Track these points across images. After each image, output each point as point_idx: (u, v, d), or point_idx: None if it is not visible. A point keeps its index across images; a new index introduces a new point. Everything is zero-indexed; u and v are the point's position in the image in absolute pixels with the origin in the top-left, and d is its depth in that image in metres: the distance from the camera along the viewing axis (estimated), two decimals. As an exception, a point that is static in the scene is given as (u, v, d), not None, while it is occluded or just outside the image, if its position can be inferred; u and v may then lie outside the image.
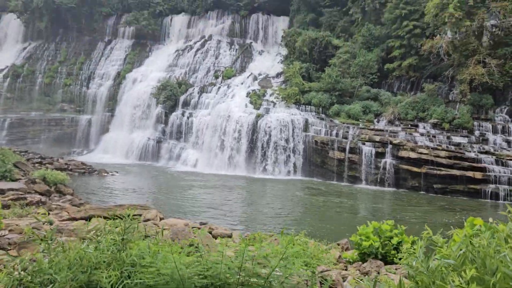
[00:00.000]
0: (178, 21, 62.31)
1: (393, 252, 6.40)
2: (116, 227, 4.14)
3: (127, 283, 3.12)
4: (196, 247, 4.35)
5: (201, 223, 10.46)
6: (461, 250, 2.60)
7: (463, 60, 36.26)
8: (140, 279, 3.04)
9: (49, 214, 10.91)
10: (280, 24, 59.59)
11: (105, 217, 9.89)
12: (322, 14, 52.38)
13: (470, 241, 2.64)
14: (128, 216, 4.14)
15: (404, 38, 41.14)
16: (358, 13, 47.73)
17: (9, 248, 6.37)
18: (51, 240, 3.61)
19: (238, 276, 2.93)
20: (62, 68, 59.47)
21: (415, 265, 2.73)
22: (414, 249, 3.01)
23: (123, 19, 62.37)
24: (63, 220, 9.69)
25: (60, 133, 55.28)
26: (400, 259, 5.31)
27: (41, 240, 3.74)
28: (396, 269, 5.75)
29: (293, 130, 39.93)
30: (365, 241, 6.47)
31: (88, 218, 9.66)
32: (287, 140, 39.79)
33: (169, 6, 61.72)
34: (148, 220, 9.44)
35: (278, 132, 39.93)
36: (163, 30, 62.20)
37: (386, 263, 6.45)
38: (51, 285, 3.06)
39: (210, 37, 59.51)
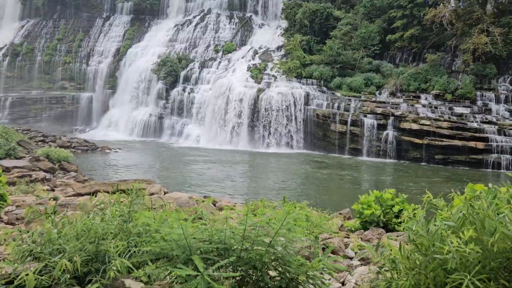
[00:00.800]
0: (177, -5, 61.28)
1: (394, 220, 6.50)
2: (122, 200, 4.21)
3: (134, 251, 3.20)
4: (200, 217, 4.44)
5: (205, 196, 10.59)
6: (461, 212, 2.65)
7: (467, 30, 35.74)
8: (147, 247, 3.11)
9: (54, 190, 11.05)
10: (281, -5, 58.51)
11: (110, 192, 10.02)
12: (323, -15, 51.28)
13: (470, 204, 2.68)
14: (134, 189, 4.20)
15: (407, 8, 40.45)
16: (360, -17, 46.71)
17: (17, 223, 6.49)
18: (54, 212, 3.68)
19: (241, 241, 2.99)
20: (61, 45, 58.94)
21: (415, 229, 2.79)
22: (414, 214, 3.07)
23: (120, -6, 61.36)
24: (69, 196, 9.82)
25: (61, 111, 55.24)
26: (400, 224, 5.39)
27: (46, 214, 3.81)
28: (397, 236, 5.85)
29: (294, 103, 39.78)
30: (367, 209, 6.56)
31: (93, 193, 9.78)
32: (288, 114, 39.70)
33: (167, -21, 60.59)
34: (153, 194, 9.55)
35: (279, 106, 39.80)
36: (161, 5, 61.26)
37: (387, 230, 6.56)
38: (60, 255, 3.14)
39: (210, 10, 58.67)
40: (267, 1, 59.05)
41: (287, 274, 3.10)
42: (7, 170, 12.60)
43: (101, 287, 3.00)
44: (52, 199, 8.84)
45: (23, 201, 8.13)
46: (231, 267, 2.98)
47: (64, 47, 58.74)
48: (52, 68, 57.82)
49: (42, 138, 31.13)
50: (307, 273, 3.02)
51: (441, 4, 36.16)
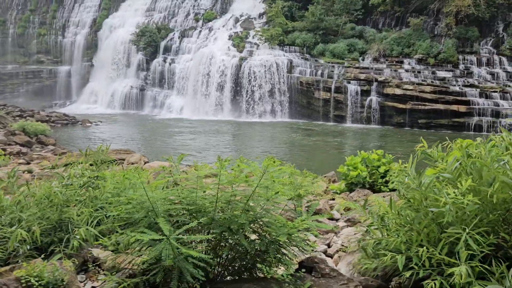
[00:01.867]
0: (153, -39, 58.91)
1: (380, 180, 6.35)
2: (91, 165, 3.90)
3: (101, 219, 2.93)
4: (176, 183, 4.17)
5: (188, 166, 10.32)
6: (457, 162, 2.43)
7: (449, -8, 35.27)
8: (114, 212, 2.84)
9: (29, 164, 10.64)
10: (261, -40, 56.80)
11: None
12: (304, -52, 49.84)
13: (467, 152, 2.46)
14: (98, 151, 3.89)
15: (389, -29, 39.67)
16: None
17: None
18: (13, 177, 3.35)
19: (215, 202, 2.73)
20: (34, 17, 56.68)
21: (406, 182, 2.57)
22: (405, 167, 2.84)
23: (94, -39, 58.74)
24: (45, 169, 9.45)
25: (39, 85, 53.68)
26: (387, 184, 5.21)
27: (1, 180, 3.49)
28: (383, 196, 5.70)
29: (277, 71, 39.23)
30: (353, 171, 6.38)
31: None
32: (271, 82, 39.18)
33: None
34: (132, 164, 9.25)
35: (262, 74, 39.23)
36: (137, -28, 58.91)
37: (374, 191, 6.43)
38: (17, 225, 2.86)
39: (188, -23, 56.68)
40: (247, -33, 57.27)
41: (267, 236, 2.88)
42: (-21, 144, 12.09)
43: (64, 257, 2.74)
44: (26, 172, 8.46)
45: (-5, 174, 7.75)
46: (203, 230, 2.73)
47: (38, 19, 56.54)
48: (26, 41, 55.80)
49: (19, 113, 30.19)
50: (289, 234, 2.79)
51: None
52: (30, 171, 8.55)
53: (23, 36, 55.78)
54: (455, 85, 30.83)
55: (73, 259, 2.81)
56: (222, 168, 2.74)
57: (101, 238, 2.84)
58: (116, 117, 40.36)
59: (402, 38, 37.28)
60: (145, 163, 9.66)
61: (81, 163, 4.21)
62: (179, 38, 48.81)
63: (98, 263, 3.11)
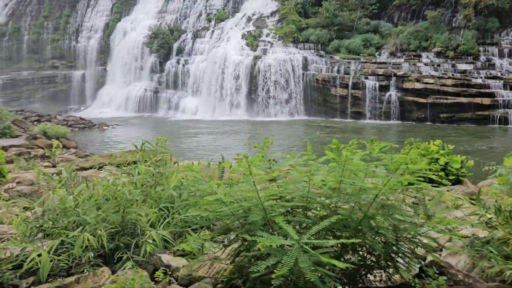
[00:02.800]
0: (164, -37, 58.92)
1: (441, 173, 5.93)
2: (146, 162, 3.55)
3: (174, 218, 2.58)
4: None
5: (219, 162, 9.91)
6: None
7: (468, -18, 34.48)
8: (193, 211, 2.47)
9: (55, 166, 10.41)
10: (271, -42, 56.40)
11: (115, 164, 9.38)
12: None
13: None
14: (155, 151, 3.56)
15: (404, -37, 38.98)
16: None
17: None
18: (71, 175, 3.02)
19: (332, 195, 2.34)
20: (48, 23, 57.04)
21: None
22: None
23: (105, -34, 58.98)
24: (73, 171, 9.20)
25: (54, 90, 53.98)
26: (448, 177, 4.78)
27: (59, 180, 3.15)
28: (448, 190, 5.28)
29: (292, 69, 38.83)
30: (410, 164, 5.95)
31: (99, 167, 9.16)
32: (287, 80, 38.79)
33: None
34: (162, 164, 8.97)
35: (277, 72, 38.86)
36: (148, -25, 58.96)
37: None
38: (79, 229, 2.52)
39: (199, -22, 56.53)
40: (258, -35, 56.91)
41: (394, 236, 2.48)
42: (3, 149, 11.89)
43: (135, 265, 2.39)
44: (55, 174, 8.20)
45: (24, 177, 7.50)
46: (324, 232, 2.33)
47: (52, 25, 56.88)
48: (41, 47, 56.19)
49: (37, 118, 30.27)
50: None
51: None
52: (59, 173, 8.28)
53: (38, 42, 56.18)
54: (477, 78, 30.06)
55: (144, 267, 2.47)
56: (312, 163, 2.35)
57: (172, 242, 2.49)
58: (131, 120, 40.31)
59: (419, 31, 36.57)
60: (174, 163, 9.37)
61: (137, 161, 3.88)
62: (191, 39, 48.68)
63: (169, 270, 2.75)
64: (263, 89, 39.27)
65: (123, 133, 28.54)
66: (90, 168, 9.14)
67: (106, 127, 31.21)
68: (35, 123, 27.54)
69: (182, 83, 46.42)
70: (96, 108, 50.66)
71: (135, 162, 4.75)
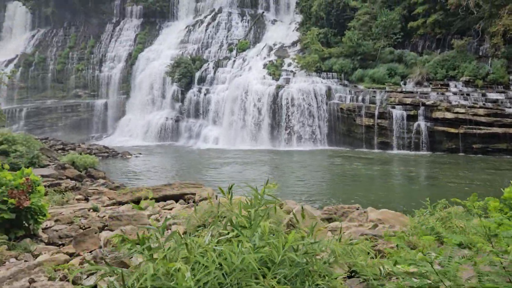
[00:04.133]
0: (186, -4, 60.30)
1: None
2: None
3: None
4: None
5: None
6: None
7: (495, 11, 34.00)
8: None
9: (88, 200, 9.88)
10: (292, -10, 57.20)
11: (155, 199, 8.79)
12: (336, -24, 49.78)
13: None
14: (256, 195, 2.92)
15: (428, -7, 38.77)
16: (376, -29, 45.14)
17: (61, 243, 5.27)
18: (163, 231, 2.39)
19: None
20: (73, 53, 58.31)
21: None
22: None
23: (129, -2, 60.61)
24: (108, 205, 8.63)
25: (77, 119, 54.59)
26: None
27: (141, 239, 2.51)
28: None
29: (316, 99, 38.40)
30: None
31: (136, 201, 8.58)
32: (310, 110, 38.33)
33: (176, -20, 59.60)
34: (205, 199, 8.32)
35: (300, 102, 38.47)
36: (171, 7, 60.30)
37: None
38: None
39: (220, 9, 57.50)
40: (279, -3, 57.73)
41: None
42: (33, 179, 11.49)
43: None
44: (91, 210, 7.64)
45: (60, 213, 6.95)
46: None
47: (76, 55, 58.10)
48: (65, 77, 57.25)
49: (61, 146, 30.21)
50: None
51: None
52: (95, 209, 7.74)
53: (62, 72, 57.29)
54: (510, 107, 29.06)
55: None
56: None
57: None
58: (152, 148, 40.15)
59: (446, 60, 35.95)
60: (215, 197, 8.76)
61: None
62: (213, 68, 48.97)
63: None
64: (285, 118, 38.85)
65: (147, 162, 28.17)
66: (127, 202, 8.56)
67: (130, 156, 30.94)
68: (59, 151, 27.43)
69: (203, 112, 46.42)
70: (118, 136, 50.87)
71: (183, 198, 4.07)
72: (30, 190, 5.00)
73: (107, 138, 51.24)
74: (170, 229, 5.66)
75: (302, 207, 3.03)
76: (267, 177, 19.71)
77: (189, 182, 9.58)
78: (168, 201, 8.65)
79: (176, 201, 8.83)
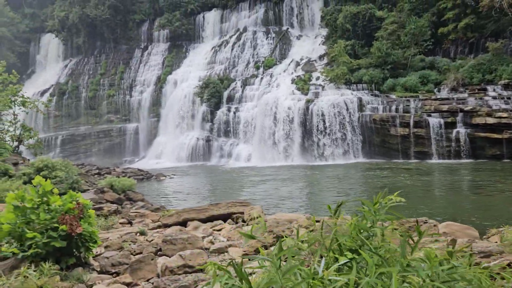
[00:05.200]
0: (211, 18, 61.13)
1: None
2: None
3: None
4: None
5: (329, 217, 8.65)
6: None
7: (531, 11, 32.76)
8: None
9: (131, 223, 9.63)
10: (315, 5, 57.14)
11: (201, 220, 8.44)
12: (360, -13, 49.48)
13: None
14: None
15: (457, -3, 37.82)
16: (401, -21, 44.57)
17: (114, 271, 4.93)
18: (279, 262, 1.98)
19: None
20: (104, 79, 59.83)
21: None
22: None
23: (156, 23, 61.96)
24: (154, 228, 8.33)
25: (109, 144, 55.59)
26: None
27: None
28: None
29: (347, 111, 37.70)
30: None
31: (182, 223, 8.25)
32: (342, 122, 37.63)
33: (200, 3, 60.61)
34: (255, 218, 7.91)
35: (331, 115, 37.84)
36: (197, 29, 61.26)
37: None
38: None
39: (245, 29, 57.96)
40: (302, 12, 57.77)
41: None
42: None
43: None
44: (138, 234, 7.35)
45: (108, 238, 6.68)
46: None
47: (107, 81, 59.55)
48: (97, 103, 58.66)
49: (97, 171, 30.57)
50: None
51: (500, -14, 33.38)
52: (142, 233, 7.45)
53: (94, 99, 58.74)
54: (556, 109, 27.64)
55: None
56: None
57: None
58: (185, 169, 40.18)
59: (481, 64, 34.74)
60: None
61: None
62: (241, 86, 49.09)
63: None
64: (317, 132, 38.25)
65: (181, 183, 28.07)
66: (174, 224, 8.24)
67: (164, 178, 30.97)
68: (96, 176, 27.72)
69: (233, 130, 46.39)
70: (150, 159, 51.37)
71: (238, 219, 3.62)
72: (81, 216, 4.73)
73: (140, 161, 51.83)
74: (227, 251, 5.26)
75: (417, 221, 2.56)
76: (291, 191, 18.97)
77: (236, 200, 9.20)
78: (216, 222, 8.27)
79: (224, 221, 8.43)
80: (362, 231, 2.41)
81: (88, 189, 14.85)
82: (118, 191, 15.20)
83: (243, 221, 8.23)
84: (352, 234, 2.39)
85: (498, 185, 18.18)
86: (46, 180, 5.05)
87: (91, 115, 58.34)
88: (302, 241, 2.76)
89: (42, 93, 57.99)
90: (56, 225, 4.56)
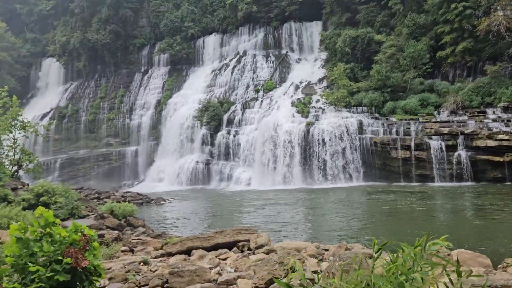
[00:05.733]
0: (211, 42, 61.78)
1: None
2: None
3: None
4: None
5: (321, 248, 8.33)
6: None
7: (528, 35, 33.16)
8: None
9: (133, 251, 9.38)
10: (314, 29, 57.93)
11: (206, 248, 8.21)
12: (357, 12, 50.29)
13: None
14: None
15: (454, 22, 38.32)
16: (398, 4, 45.32)
17: (119, 304, 4.70)
18: None
19: None
20: (104, 103, 59.97)
21: None
22: None
23: (156, 47, 62.55)
24: (157, 257, 8.09)
25: (109, 167, 55.26)
26: None
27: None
28: None
29: (347, 133, 37.70)
30: None
31: (187, 252, 8.01)
32: (343, 145, 37.55)
33: (200, 28, 61.34)
34: (262, 246, 7.67)
35: (332, 137, 37.81)
36: (197, 53, 61.82)
37: None
38: None
39: (245, 52, 58.50)
40: (301, 36, 58.46)
41: None
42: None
43: None
44: (141, 263, 7.12)
45: (110, 269, 6.45)
46: None
47: (107, 105, 59.68)
48: (97, 126, 58.62)
49: (96, 195, 30.25)
50: None
51: (498, 9, 33.86)
52: (145, 262, 7.21)
53: (94, 122, 58.74)
54: (557, 131, 27.62)
55: None
56: None
57: None
58: (185, 193, 39.82)
59: (480, 87, 34.95)
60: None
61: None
62: (241, 109, 49.17)
63: None
64: (318, 155, 38.13)
65: (182, 208, 27.75)
66: (178, 253, 7.99)
67: (164, 202, 30.64)
68: (95, 200, 27.40)
69: (233, 153, 46.24)
70: (149, 182, 51.02)
71: (235, 246, 3.45)
72: (87, 248, 4.55)
73: (139, 185, 51.45)
74: (235, 283, 5.05)
75: (458, 261, 2.40)
76: (292, 216, 18.69)
77: (241, 227, 8.97)
78: (221, 250, 8.00)
79: (230, 249, 8.17)
80: (400, 273, 2.25)
81: (88, 215, 14.59)
82: (119, 217, 14.94)
83: (249, 249, 7.99)
84: (390, 278, 2.22)
85: (505, 209, 17.96)
86: (48, 209, 4.86)
87: (90, 138, 58.23)
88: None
89: (42, 116, 58.00)
90: (60, 257, 4.38)
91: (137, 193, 33.39)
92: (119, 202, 17.77)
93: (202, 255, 7.60)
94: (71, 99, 61.66)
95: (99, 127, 58.57)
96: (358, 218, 19.50)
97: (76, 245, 4.54)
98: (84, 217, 14.17)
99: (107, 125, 58.34)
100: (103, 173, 54.81)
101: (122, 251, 9.14)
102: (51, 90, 65.28)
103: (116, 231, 12.69)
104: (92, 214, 14.79)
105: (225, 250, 8.08)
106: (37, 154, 29.18)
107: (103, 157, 55.84)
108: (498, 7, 34.28)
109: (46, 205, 14.32)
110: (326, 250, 7.40)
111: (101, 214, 14.55)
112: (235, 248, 8.26)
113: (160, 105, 57.40)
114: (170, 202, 31.18)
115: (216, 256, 7.54)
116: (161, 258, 7.89)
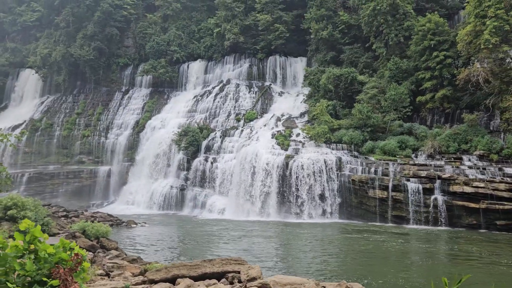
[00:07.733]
0: (195, 68, 61.82)
1: None
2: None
3: None
4: None
5: (321, 285, 7.86)
6: None
7: (505, 87, 34.41)
8: None
9: (109, 275, 8.69)
10: (298, 64, 58.84)
11: (193, 277, 7.64)
12: (342, 52, 51.48)
13: None
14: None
15: (435, 69, 39.55)
16: (382, 47, 46.64)
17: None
18: None
19: None
20: (80, 119, 58.60)
21: None
22: None
23: (140, 68, 62.10)
24: (138, 284, 7.45)
25: (78, 185, 53.45)
26: None
27: None
28: None
29: (326, 169, 37.66)
30: None
31: (171, 280, 7.42)
32: (320, 181, 37.44)
33: (186, 53, 61.44)
34: (254, 279, 7.16)
35: (310, 172, 37.67)
36: (180, 77, 61.65)
37: None
38: None
39: (229, 81, 58.68)
40: (285, 70, 59.20)
41: None
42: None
43: None
44: (123, 290, 6.50)
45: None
46: None
47: (83, 121, 58.34)
48: (70, 142, 57.02)
49: (64, 213, 28.94)
50: None
51: (476, 62, 35.16)
52: (128, 289, 6.59)
53: (68, 138, 57.15)
54: (531, 182, 28.26)
55: None
56: None
57: None
58: (157, 217, 38.69)
59: (457, 134, 35.79)
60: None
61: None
62: (220, 137, 48.80)
63: None
64: (295, 189, 37.84)
65: (154, 232, 26.76)
66: (163, 281, 7.38)
67: (135, 225, 29.56)
68: (62, 218, 26.12)
69: (209, 181, 45.48)
70: (120, 204, 49.50)
71: (224, 277, 3.24)
72: (76, 269, 4.02)
73: (109, 206, 49.82)
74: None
75: None
76: (267, 250, 18.08)
77: (231, 258, 8.44)
78: (209, 281, 7.42)
79: (218, 280, 7.57)
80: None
81: (59, 233, 13.70)
82: (91, 237, 14.09)
83: (239, 281, 7.45)
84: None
85: (486, 256, 17.92)
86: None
87: (62, 154, 56.46)
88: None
89: (14, 128, 56.01)
90: (44, 278, 3.83)
91: (108, 214, 32.20)
92: (93, 222, 16.89)
93: (190, 285, 7.02)
94: (46, 112, 60.04)
95: (73, 143, 56.96)
96: (336, 255, 19.11)
97: (63, 265, 4.01)
98: (54, 235, 13.29)
99: (81, 142, 56.82)
100: (72, 191, 52.90)
101: (98, 274, 8.45)
102: (26, 102, 63.50)
103: (90, 253, 11.89)
104: (62, 233, 13.90)
105: (214, 280, 7.49)
106: (6, 166, 27.77)
107: (73, 175, 54.04)
108: (476, 60, 35.60)
109: (14, 219, 13.41)
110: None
111: (72, 233, 13.69)
112: (224, 280, 7.68)
113: (138, 126, 56.48)
114: (142, 225, 30.12)
115: (205, 286, 6.98)
116: (142, 285, 7.27)
